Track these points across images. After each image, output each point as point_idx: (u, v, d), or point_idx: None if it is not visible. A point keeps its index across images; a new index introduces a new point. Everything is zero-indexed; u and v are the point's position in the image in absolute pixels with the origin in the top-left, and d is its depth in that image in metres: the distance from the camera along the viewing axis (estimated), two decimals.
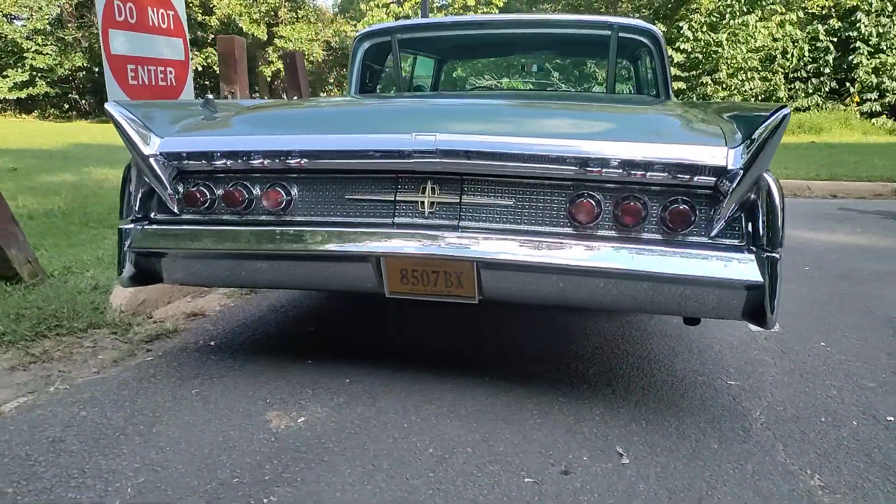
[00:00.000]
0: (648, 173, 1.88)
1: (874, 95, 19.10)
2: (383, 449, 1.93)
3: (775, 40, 18.58)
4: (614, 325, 2.99)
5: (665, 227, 1.93)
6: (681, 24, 17.86)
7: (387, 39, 3.55)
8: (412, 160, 2.05)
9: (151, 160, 2.19)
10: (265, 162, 2.16)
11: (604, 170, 1.92)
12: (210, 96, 2.60)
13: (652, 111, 2.31)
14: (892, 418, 2.14)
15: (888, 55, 18.86)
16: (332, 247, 2.15)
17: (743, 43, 17.96)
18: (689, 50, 18.29)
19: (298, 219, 2.22)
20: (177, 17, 4.20)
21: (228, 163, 2.18)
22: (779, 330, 2.96)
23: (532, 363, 2.57)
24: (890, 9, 18.79)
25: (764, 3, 18.43)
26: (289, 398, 2.26)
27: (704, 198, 1.89)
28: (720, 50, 17.99)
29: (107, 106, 2.18)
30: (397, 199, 2.15)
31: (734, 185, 1.80)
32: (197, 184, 2.24)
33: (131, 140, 2.16)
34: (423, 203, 2.13)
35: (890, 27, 18.83)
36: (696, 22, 17.91)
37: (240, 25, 26.38)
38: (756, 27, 17.87)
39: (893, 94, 18.95)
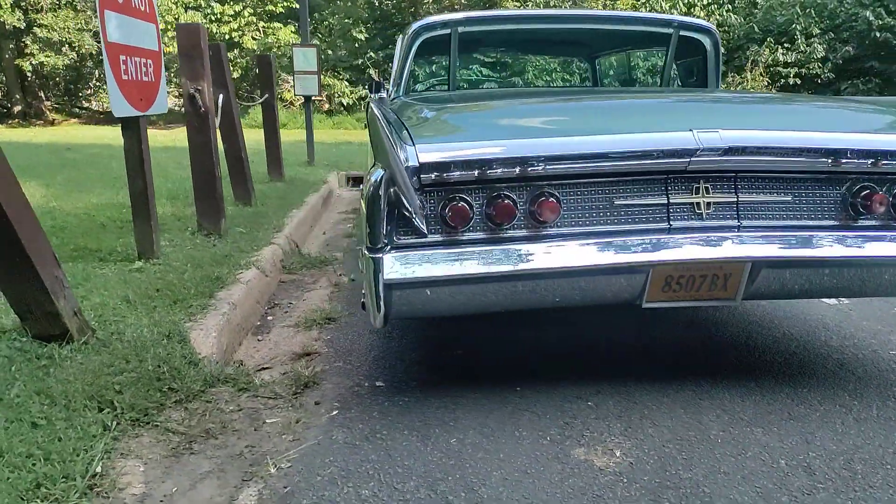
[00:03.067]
0: None
1: None
2: (742, 468, 1.83)
3: None
4: (730, 315, 3.11)
5: None
6: None
7: (446, 33, 3.28)
8: (693, 159, 1.96)
9: (410, 172, 1.82)
10: (542, 168, 1.91)
11: (891, 162, 2.00)
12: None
13: (880, 107, 2.46)
14: None
15: None
16: (609, 259, 1.98)
17: None
18: None
19: (568, 230, 2.00)
20: None
21: (502, 171, 1.90)
22: (835, 303, 3.30)
23: (716, 357, 2.60)
24: None
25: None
26: (565, 432, 2.04)
27: None
28: None
29: (373, 106, 1.75)
30: (671, 201, 2.04)
31: None
32: (459, 198, 1.90)
33: (395, 152, 1.77)
34: (698, 204, 2.04)
35: None
36: None
37: None
38: None
39: None
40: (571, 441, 1.98)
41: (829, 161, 2.01)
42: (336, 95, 20.41)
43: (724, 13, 18.91)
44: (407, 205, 1.85)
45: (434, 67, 3.85)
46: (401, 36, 3.76)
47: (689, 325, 2.99)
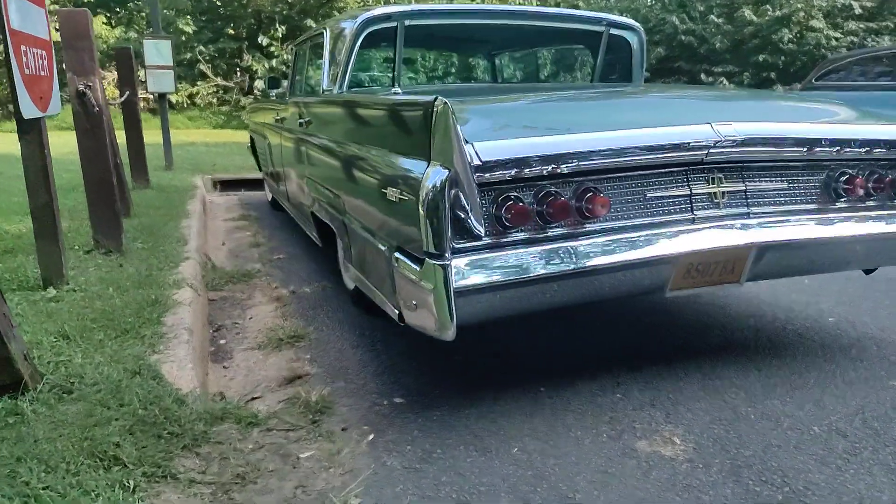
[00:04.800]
0: None
1: None
2: (789, 439, 1.96)
3: None
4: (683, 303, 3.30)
5: None
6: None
7: (392, 25, 3.14)
8: (712, 150, 2.07)
9: (472, 172, 1.71)
10: (595, 163, 1.91)
11: (870, 150, 2.26)
12: None
13: (839, 99, 2.70)
14: None
15: None
16: (654, 251, 2.03)
17: None
18: None
19: (611, 225, 2.01)
20: None
21: (559, 167, 1.86)
22: None
23: (698, 342, 2.77)
24: None
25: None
26: (616, 427, 2.05)
27: None
28: None
29: (446, 102, 1.60)
30: (693, 192, 2.12)
31: None
32: (514, 197, 1.83)
33: (462, 151, 1.65)
34: (715, 194, 2.15)
35: None
36: None
37: None
38: None
39: None
40: (628, 435, 1.99)
41: (824, 150, 2.21)
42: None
43: None
44: (467, 206, 1.74)
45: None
46: (326, 29, 3.54)
47: (651, 314, 3.13)
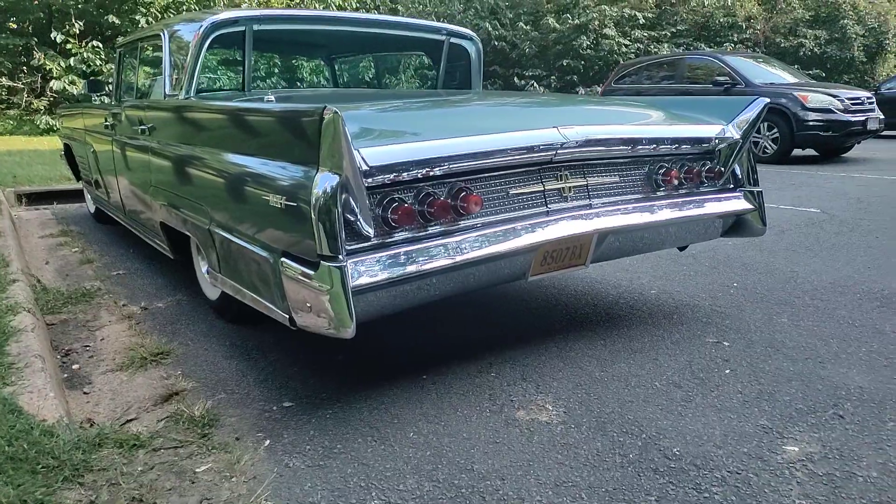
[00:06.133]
0: (699, 145, 2.73)
1: None
2: (638, 395, 2.29)
3: None
4: (532, 288, 3.64)
5: (702, 181, 2.79)
6: (136, 18, 17.14)
7: (240, 30, 3.11)
8: (559, 150, 2.36)
9: (361, 177, 1.82)
10: (474, 163, 2.11)
11: (680, 146, 2.68)
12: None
13: (656, 103, 3.08)
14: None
15: None
16: (521, 242, 2.26)
17: None
18: None
19: (483, 220, 2.21)
20: None
21: (437, 171, 2.02)
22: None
23: (546, 322, 3.08)
24: None
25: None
26: (497, 402, 2.26)
27: (718, 158, 2.84)
28: None
29: (336, 111, 1.67)
30: (546, 188, 2.39)
31: (740, 147, 2.81)
32: (398, 199, 1.96)
33: (351, 154, 1.75)
34: (563, 189, 2.44)
35: None
36: (151, 15, 17.48)
37: None
38: None
39: None
40: (508, 408, 2.20)
41: (645, 148, 2.59)
42: None
43: None
44: (357, 209, 1.83)
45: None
46: (164, 31, 3.39)
47: (507, 301, 3.41)
